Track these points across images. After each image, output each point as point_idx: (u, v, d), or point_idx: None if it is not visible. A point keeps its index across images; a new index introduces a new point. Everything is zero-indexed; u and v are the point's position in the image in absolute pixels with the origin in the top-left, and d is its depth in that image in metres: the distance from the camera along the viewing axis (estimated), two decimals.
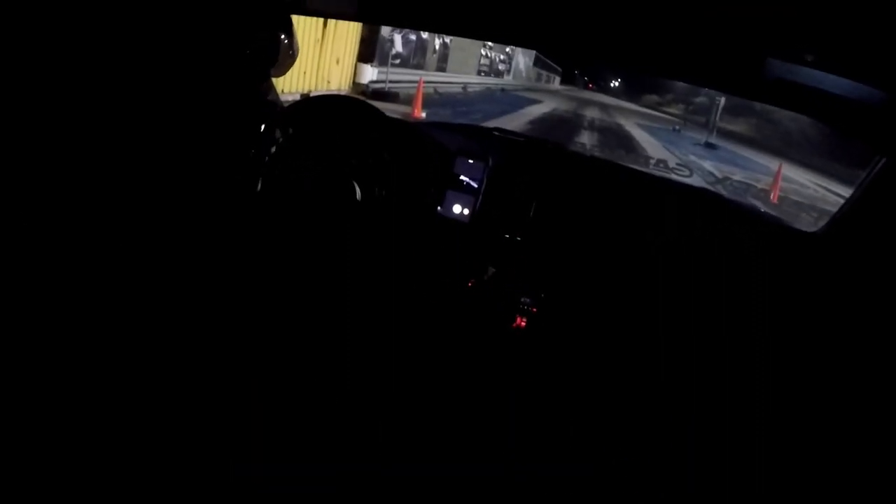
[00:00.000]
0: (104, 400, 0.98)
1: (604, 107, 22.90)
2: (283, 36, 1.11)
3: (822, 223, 1.15)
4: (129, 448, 0.96)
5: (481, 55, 16.57)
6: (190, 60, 1.03)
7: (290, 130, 1.11)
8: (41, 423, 0.91)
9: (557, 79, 36.49)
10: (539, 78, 28.91)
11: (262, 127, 1.10)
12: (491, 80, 17.51)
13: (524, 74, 23.47)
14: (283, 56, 1.13)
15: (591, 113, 17.80)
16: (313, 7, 1.22)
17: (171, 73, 1.01)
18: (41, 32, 0.82)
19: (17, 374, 0.90)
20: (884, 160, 0.95)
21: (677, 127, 18.85)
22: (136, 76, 0.96)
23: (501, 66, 19.35)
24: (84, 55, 0.88)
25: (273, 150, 1.09)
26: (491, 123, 6.37)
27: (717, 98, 15.08)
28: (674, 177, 1.90)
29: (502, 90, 16.73)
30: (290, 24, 1.13)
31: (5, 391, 0.89)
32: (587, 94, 31.89)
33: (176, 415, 1.02)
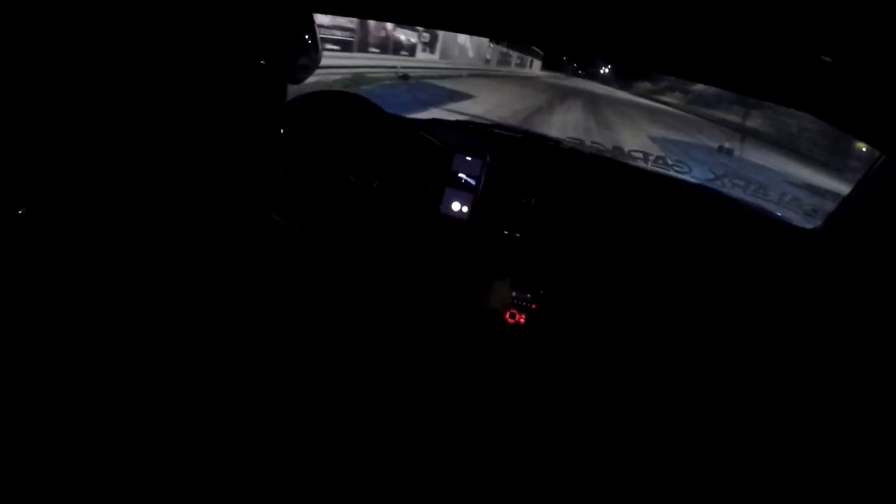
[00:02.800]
0: (104, 399, 0.97)
1: (591, 101, 15.39)
2: (307, 37, 1.07)
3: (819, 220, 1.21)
4: (130, 448, 0.96)
5: (366, 23, 9.31)
6: (203, 64, 0.98)
7: (290, 127, 1.10)
8: (41, 422, 0.91)
9: (538, 63, 28.98)
10: (505, 61, 21.49)
11: (264, 124, 1.07)
12: (396, 61, 10.26)
13: (471, 54, 16.00)
14: (309, 60, 1.10)
15: (563, 117, 10.57)
16: (328, 4, 1.20)
17: (182, 77, 0.98)
18: (58, 35, 0.83)
19: (18, 373, 0.90)
20: (883, 157, 1.01)
21: (726, 145, 11.37)
22: (149, 78, 0.94)
23: (414, 40, 11.97)
24: (100, 58, 0.89)
25: (274, 147, 1.07)
26: None
27: None
28: (672, 173, 1.60)
29: (405, 76, 9.50)
30: (311, 26, 1.10)
31: (8, 390, 0.90)
32: (572, 83, 24.35)
33: (176, 415, 1.01)
